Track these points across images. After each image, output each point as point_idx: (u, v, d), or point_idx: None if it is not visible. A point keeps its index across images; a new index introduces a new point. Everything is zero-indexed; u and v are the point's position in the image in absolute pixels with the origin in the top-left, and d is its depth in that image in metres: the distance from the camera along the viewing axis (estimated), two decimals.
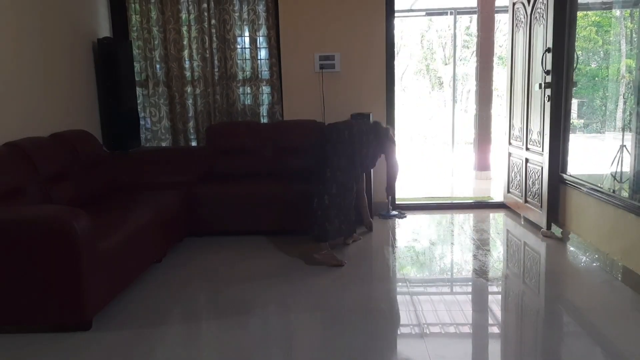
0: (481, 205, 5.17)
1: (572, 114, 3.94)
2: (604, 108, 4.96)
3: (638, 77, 3.54)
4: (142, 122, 4.87)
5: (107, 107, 4.47)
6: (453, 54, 10.09)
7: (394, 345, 2.51)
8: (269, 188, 4.13)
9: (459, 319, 2.75)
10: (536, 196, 4.15)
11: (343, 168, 3.59)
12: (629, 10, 4.20)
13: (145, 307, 2.90)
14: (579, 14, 3.83)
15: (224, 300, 3.00)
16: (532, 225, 4.27)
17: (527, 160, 4.33)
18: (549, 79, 3.84)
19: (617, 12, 4.47)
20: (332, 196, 3.54)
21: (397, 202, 4.99)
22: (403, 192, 5.59)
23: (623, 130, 3.98)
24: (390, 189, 4.14)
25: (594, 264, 3.47)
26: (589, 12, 4.96)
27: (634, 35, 4.00)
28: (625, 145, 3.58)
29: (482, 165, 6.99)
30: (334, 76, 4.71)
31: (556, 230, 4.02)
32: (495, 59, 7.09)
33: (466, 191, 6.62)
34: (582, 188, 3.63)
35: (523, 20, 4.34)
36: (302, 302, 2.95)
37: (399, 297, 3.02)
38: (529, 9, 4.19)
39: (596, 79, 5.06)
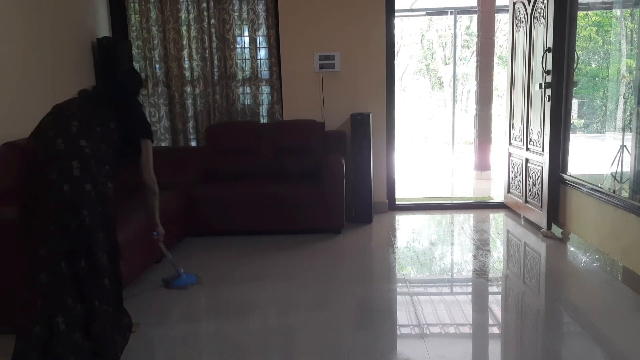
0: (481, 206, 5.16)
1: (572, 114, 3.94)
2: (604, 108, 4.97)
3: (638, 77, 3.54)
4: None
5: None
6: (453, 53, 10.09)
7: (394, 345, 2.50)
8: (269, 188, 4.12)
9: (459, 319, 2.74)
10: (536, 196, 4.15)
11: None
12: (629, 10, 4.20)
13: (145, 308, 2.89)
14: (580, 13, 3.83)
15: (224, 300, 3.00)
16: (532, 226, 4.26)
17: (527, 160, 4.33)
18: (549, 78, 3.84)
19: (617, 12, 4.47)
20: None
21: (397, 202, 4.99)
22: (403, 192, 5.60)
23: (623, 130, 3.98)
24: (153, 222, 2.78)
25: (594, 264, 3.47)
26: (590, 12, 4.97)
27: (634, 35, 4.00)
28: (625, 145, 3.58)
29: (482, 165, 6.99)
30: (333, 76, 4.70)
31: (556, 230, 4.02)
32: (495, 59, 7.10)
33: (466, 191, 6.62)
34: (583, 188, 3.63)
35: (523, 20, 4.34)
36: (302, 302, 2.95)
37: (399, 298, 3.02)
38: (529, 9, 4.19)
39: (596, 78, 5.06)
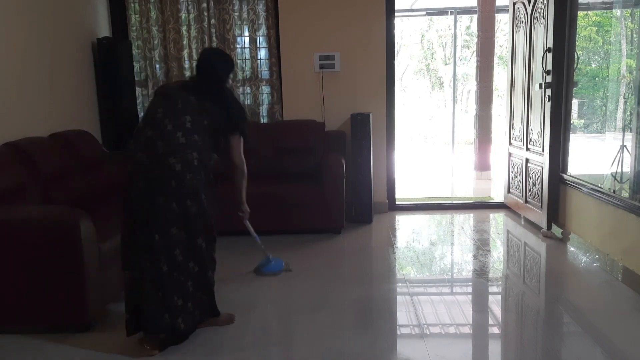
0: (481, 206, 5.16)
1: (572, 114, 3.94)
2: (604, 108, 4.97)
3: (638, 77, 3.54)
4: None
5: (106, 107, 4.46)
6: (453, 53, 10.08)
7: (394, 345, 2.50)
8: (269, 188, 4.12)
9: (459, 320, 2.74)
10: (536, 196, 4.15)
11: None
12: (629, 10, 4.20)
13: None
14: (580, 13, 3.83)
15: (224, 300, 2.99)
16: (533, 226, 4.26)
17: (527, 161, 4.33)
18: (549, 79, 3.84)
19: (617, 12, 4.47)
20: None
21: (397, 202, 4.99)
22: (403, 192, 5.60)
23: (623, 130, 3.98)
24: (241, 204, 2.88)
25: (594, 264, 3.47)
26: (590, 12, 4.97)
27: (634, 35, 4.00)
28: (625, 146, 3.58)
29: (483, 165, 6.99)
30: (334, 76, 4.70)
31: (556, 230, 4.02)
32: (495, 59, 7.09)
33: (466, 191, 6.62)
34: (583, 188, 3.63)
35: (523, 20, 4.34)
36: (302, 302, 2.95)
37: (399, 298, 3.02)
38: (529, 9, 4.19)
39: (596, 79, 5.06)
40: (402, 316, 2.76)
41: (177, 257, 2.36)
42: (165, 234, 2.33)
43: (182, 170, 2.32)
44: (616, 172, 3.59)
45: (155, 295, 2.33)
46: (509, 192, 4.79)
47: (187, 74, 4.74)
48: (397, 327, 2.66)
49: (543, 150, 3.99)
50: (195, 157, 2.36)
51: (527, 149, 4.31)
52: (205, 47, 2.91)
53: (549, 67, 3.82)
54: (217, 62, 2.55)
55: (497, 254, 3.80)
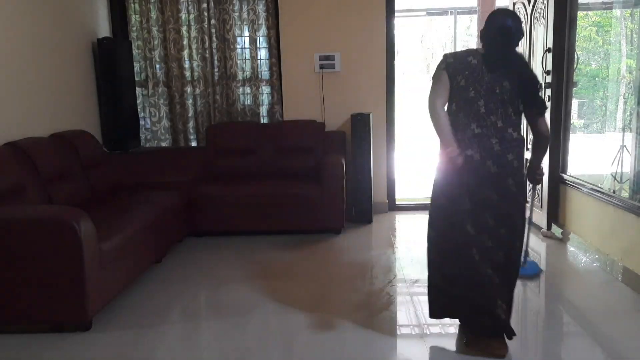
0: None
1: (572, 114, 3.94)
2: (604, 108, 4.96)
3: (638, 77, 3.54)
4: (141, 122, 4.86)
5: (107, 107, 4.47)
6: None
7: (394, 345, 2.50)
8: (269, 188, 4.12)
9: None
10: (536, 196, 4.15)
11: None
12: (629, 11, 4.20)
13: (145, 308, 2.90)
14: (579, 14, 3.83)
15: (224, 300, 3.00)
16: (533, 226, 4.25)
17: (527, 161, 4.32)
18: (549, 79, 3.84)
19: (617, 12, 4.47)
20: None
21: (397, 202, 4.99)
22: (403, 192, 5.59)
23: (623, 130, 3.98)
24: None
25: (594, 264, 3.47)
26: (589, 12, 4.96)
27: (634, 35, 4.00)
28: (625, 146, 3.58)
29: None
30: (334, 76, 4.70)
31: (556, 230, 4.02)
32: None
33: None
34: (583, 188, 3.63)
35: (523, 20, 4.34)
36: (302, 302, 2.95)
37: (399, 298, 3.02)
38: (529, 9, 4.19)
39: (596, 79, 5.06)
40: (402, 316, 2.76)
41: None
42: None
43: (518, 163, 2.45)
44: (616, 172, 3.59)
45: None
46: None
47: (187, 74, 4.75)
48: (397, 327, 2.66)
49: None
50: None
51: (527, 149, 4.31)
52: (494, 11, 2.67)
53: (549, 67, 3.82)
54: (512, 22, 2.29)
55: None
